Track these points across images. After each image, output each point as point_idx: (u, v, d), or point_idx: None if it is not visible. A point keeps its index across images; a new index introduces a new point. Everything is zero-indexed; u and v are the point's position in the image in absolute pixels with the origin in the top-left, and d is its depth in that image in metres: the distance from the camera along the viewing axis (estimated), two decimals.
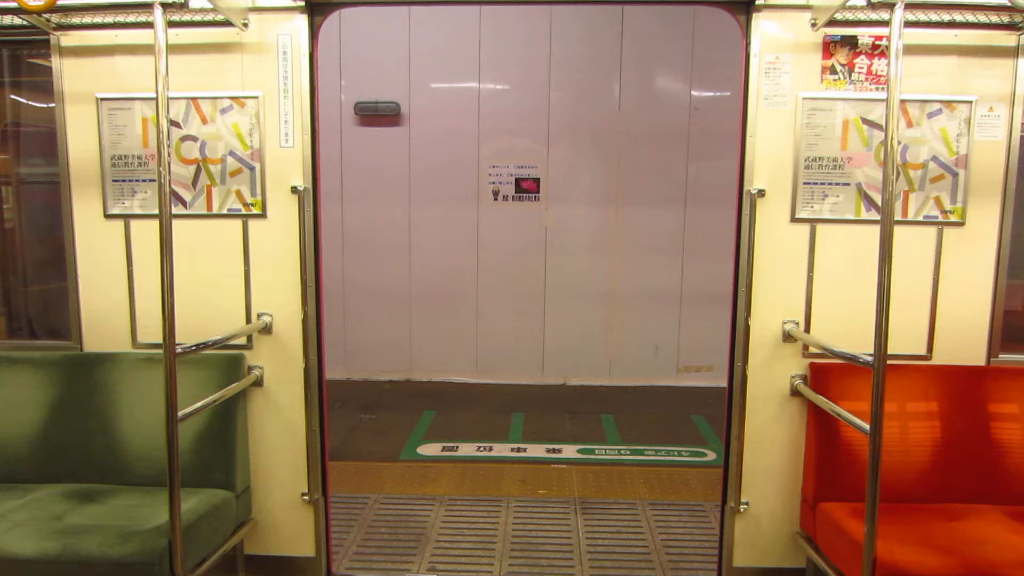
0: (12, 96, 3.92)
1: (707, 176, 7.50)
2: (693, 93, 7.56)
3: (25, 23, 3.33)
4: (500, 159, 7.67)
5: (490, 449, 5.74)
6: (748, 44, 3.31)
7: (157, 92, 2.67)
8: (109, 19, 3.30)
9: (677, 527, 4.32)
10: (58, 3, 2.91)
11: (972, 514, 3.13)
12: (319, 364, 3.56)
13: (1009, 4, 2.93)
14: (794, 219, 3.37)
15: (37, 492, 3.26)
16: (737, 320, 3.45)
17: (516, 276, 7.82)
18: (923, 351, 3.43)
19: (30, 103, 3.92)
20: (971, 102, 3.27)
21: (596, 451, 5.70)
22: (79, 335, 3.58)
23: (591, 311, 7.75)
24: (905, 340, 3.40)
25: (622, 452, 5.69)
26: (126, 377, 3.47)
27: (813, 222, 3.37)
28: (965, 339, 3.42)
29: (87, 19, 3.31)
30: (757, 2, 3.23)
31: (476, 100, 7.65)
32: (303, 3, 3.31)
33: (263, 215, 3.45)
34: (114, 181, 3.45)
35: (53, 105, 3.47)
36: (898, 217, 3.32)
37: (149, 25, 3.20)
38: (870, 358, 2.62)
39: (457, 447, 5.75)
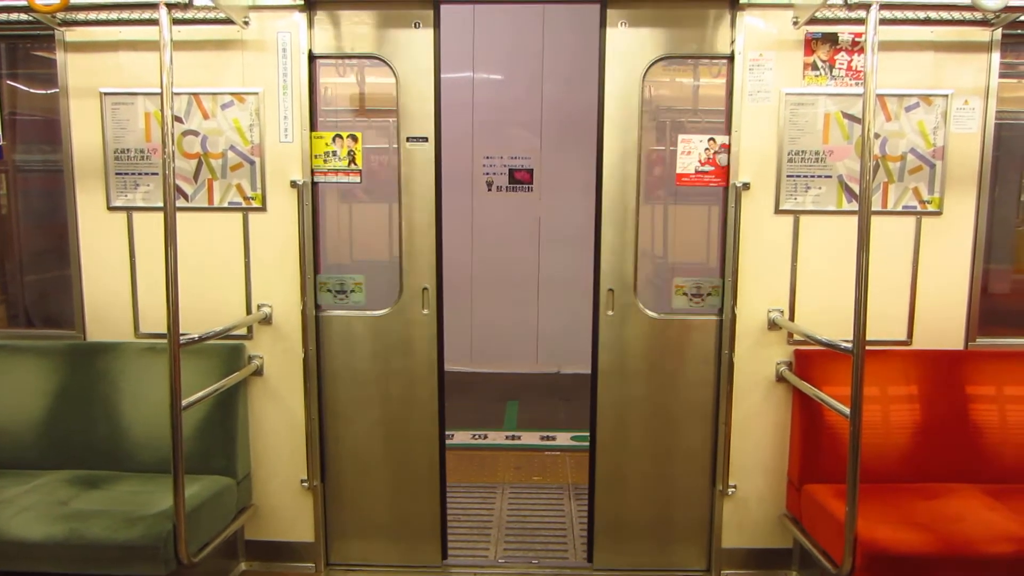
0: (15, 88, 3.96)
1: None
2: None
3: (30, 19, 3.37)
4: (494, 150, 7.70)
5: (485, 437, 5.81)
6: (733, 41, 3.39)
7: (162, 87, 2.74)
8: (114, 16, 3.36)
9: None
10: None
11: (950, 493, 3.23)
12: (318, 354, 3.65)
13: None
14: (778, 211, 3.45)
15: (42, 478, 3.32)
16: (724, 309, 3.55)
17: (510, 266, 7.85)
18: (903, 336, 3.52)
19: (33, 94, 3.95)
20: (947, 96, 3.36)
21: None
22: (82, 325, 3.64)
23: (584, 300, 7.63)
24: (886, 326, 3.49)
25: None
26: (129, 366, 3.54)
27: (796, 213, 3.45)
28: (944, 324, 3.52)
29: (91, 15, 3.36)
30: (741, 1, 3.31)
31: (470, 91, 7.68)
32: (302, 1, 3.37)
33: (263, 208, 3.52)
34: (117, 174, 3.52)
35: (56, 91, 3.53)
36: (878, 208, 3.41)
37: (152, 22, 3.26)
38: (849, 345, 2.72)
39: (453, 435, 5.80)
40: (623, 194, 3.54)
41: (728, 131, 3.44)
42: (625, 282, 3.60)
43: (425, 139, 3.52)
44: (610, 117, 3.50)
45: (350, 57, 3.57)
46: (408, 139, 3.53)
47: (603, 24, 3.45)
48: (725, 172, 3.48)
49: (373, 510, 3.78)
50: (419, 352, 3.68)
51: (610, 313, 3.62)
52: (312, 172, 3.54)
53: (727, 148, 3.46)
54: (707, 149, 3.47)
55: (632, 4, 3.42)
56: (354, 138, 3.54)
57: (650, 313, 3.61)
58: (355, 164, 3.55)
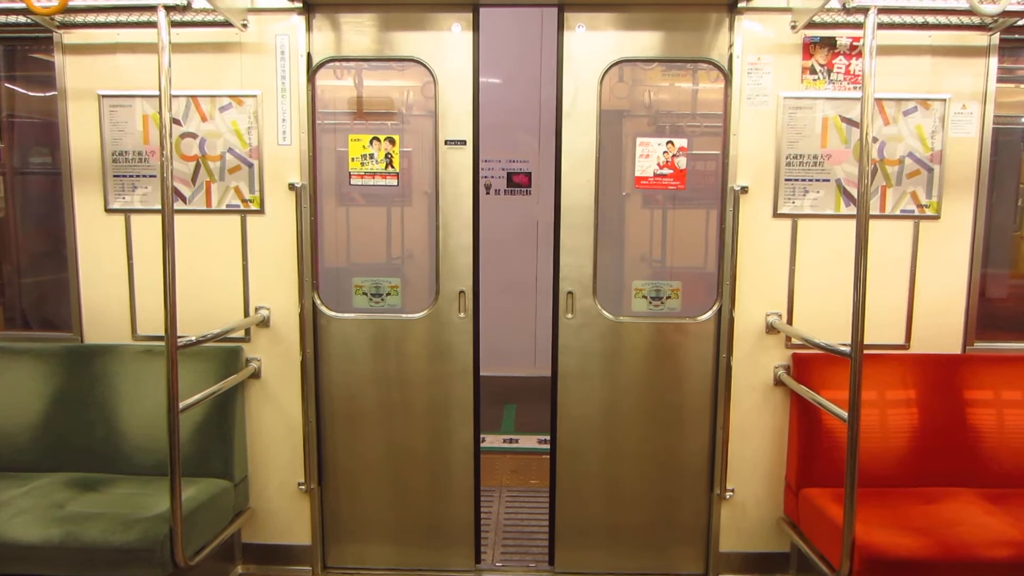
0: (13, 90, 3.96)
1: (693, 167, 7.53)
2: None
3: (28, 21, 3.38)
4: (492, 153, 7.68)
5: (483, 440, 5.77)
6: (731, 45, 3.39)
7: (160, 89, 2.73)
8: (112, 18, 3.35)
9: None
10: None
11: (948, 497, 3.23)
12: (315, 357, 3.64)
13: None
14: (776, 214, 3.46)
15: (39, 480, 3.32)
16: (722, 313, 3.55)
17: (508, 269, 7.80)
18: (901, 340, 3.52)
19: (31, 97, 3.95)
20: (945, 100, 3.37)
21: None
22: (80, 327, 3.64)
23: None
24: (884, 330, 3.49)
25: None
26: (126, 369, 3.53)
27: (795, 217, 3.46)
28: (942, 328, 3.52)
29: (90, 18, 3.36)
30: (739, 5, 3.31)
31: None
32: (300, 4, 3.37)
33: (261, 211, 3.52)
34: (115, 176, 3.51)
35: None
36: (876, 212, 3.41)
37: (151, 24, 3.25)
38: (847, 348, 2.72)
39: None
40: (581, 196, 3.54)
41: (726, 135, 3.44)
42: (584, 285, 3.59)
43: (464, 142, 3.52)
44: (568, 119, 3.50)
45: (384, 60, 3.57)
46: (446, 142, 3.53)
47: (560, 27, 3.46)
48: (684, 175, 3.50)
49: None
50: (454, 356, 3.68)
51: (569, 316, 3.61)
52: (349, 175, 3.55)
53: (685, 151, 3.48)
54: (665, 152, 3.47)
55: (590, 8, 3.42)
56: (391, 140, 3.54)
57: (608, 316, 3.60)
58: (392, 167, 3.55)
